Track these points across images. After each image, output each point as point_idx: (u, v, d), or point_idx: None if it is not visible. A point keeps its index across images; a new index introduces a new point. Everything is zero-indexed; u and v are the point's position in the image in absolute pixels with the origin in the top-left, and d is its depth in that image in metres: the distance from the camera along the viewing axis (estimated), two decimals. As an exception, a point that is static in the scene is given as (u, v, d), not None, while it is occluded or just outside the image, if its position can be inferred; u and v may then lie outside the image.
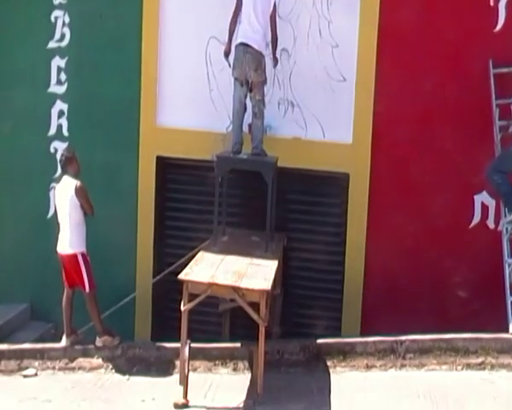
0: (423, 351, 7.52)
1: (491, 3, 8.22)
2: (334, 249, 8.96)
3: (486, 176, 8.00)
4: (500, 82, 8.15)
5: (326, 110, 8.74)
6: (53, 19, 9.23)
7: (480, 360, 7.39)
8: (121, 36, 9.14)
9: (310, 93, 8.76)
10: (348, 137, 8.69)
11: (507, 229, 8.03)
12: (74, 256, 7.87)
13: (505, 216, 8.04)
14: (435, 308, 8.49)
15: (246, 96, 8.24)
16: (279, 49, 8.54)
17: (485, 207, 8.47)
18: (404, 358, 7.52)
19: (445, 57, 8.40)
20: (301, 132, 8.83)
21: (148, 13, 9.00)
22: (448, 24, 8.36)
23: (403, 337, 7.59)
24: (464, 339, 7.49)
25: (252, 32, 8.06)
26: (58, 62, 9.31)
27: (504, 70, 8.14)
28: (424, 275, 8.60)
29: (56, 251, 7.99)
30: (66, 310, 8.00)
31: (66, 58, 9.30)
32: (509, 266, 7.89)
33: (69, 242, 7.89)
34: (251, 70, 8.07)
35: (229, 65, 8.26)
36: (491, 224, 8.48)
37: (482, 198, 8.46)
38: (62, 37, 9.28)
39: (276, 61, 8.40)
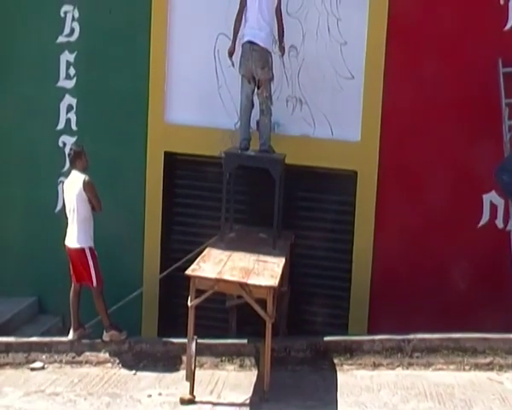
0: (431, 350, 7.51)
1: (501, 2, 8.20)
2: (341, 247, 8.95)
3: (495, 176, 7.98)
4: (509, 81, 8.12)
5: (334, 108, 8.74)
6: (62, 14, 9.24)
7: (488, 360, 7.37)
8: (130, 31, 9.15)
9: (318, 90, 8.76)
10: (356, 134, 8.68)
11: (515, 228, 8.04)
12: (82, 251, 7.89)
13: (514, 215, 8.05)
14: (443, 307, 8.47)
15: (253, 93, 8.25)
16: (288, 46, 8.54)
17: (493, 207, 8.45)
18: (411, 357, 7.51)
19: (455, 56, 8.38)
20: (309, 130, 8.83)
21: (158, 8, 9.00)
22: (458, 23, 8.34)
23: (410, 336, 7.59)
24: (472, 339, 7.48)
25: (258, 29, 8.07)
26: (67, 57, 9.32)
27: (514, 69, 8.14)
28: (432, 274, 8.58)
29: (64, 245, 8.01)
30: (74, 305, 8.03)
31: (76, 53, 9.30)
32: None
33: (77, 236, 7.91)
34: (257, 68, 8.07)
35: (233, 64, 8.30)
36: (499, 223, 8.47)
37: (491, 198, 8.44)
38: (72, 31, 9.29)
39: (282, 50, 8.37)
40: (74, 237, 7.92)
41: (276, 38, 8.30)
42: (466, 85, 8.35)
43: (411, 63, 8.51)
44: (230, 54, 8.29)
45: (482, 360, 7.38)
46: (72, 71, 9.35)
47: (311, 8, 8.68)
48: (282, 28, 8.22)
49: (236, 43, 8.24)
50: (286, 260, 7.87)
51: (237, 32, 8.23)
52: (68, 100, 9.39)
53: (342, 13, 8.63)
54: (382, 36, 8.49)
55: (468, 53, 8.33)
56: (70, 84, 9.37)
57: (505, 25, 8.22)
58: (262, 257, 7.65)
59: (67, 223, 7.98)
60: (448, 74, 8.41)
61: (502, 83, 8.12)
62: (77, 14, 9.23)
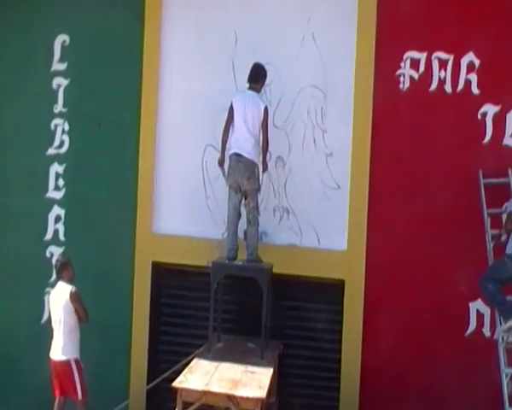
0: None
1: (479, 117, 8.47)
2: (329, 356, 8.88)
3: (480, 285, 8.04)
4: (490, 192, 8.31)
5: (321, 217, 8.85)
6: (53, 126, 9.42)
7: None
8: (119, 143, 9.30)
9: (305, 201, 8.89)
10: (343, 244, 8.77)
11: (503, 338, 7.98)
12: (67, 363, 7.82)
13: (500, 325, 8.03)
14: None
15: (240, 203, 8.34)
16: (274, 156, 8.75)
17: (480, 315, 8.49)
18: None
19: (437, 168, 8.59)
20: (296, 239, 8.92)
21: (146, 121, 9.17)
22: (439, 136, 8.58)
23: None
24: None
25: (243, 141, 8.21)
26: (56, 168, 9.44)
27: (494, 181, 8.32)
28: (420, 382, 8.54)
29: (49, 358, 7.91)
30: (58, 420, 7.88)
31: (65, 164, 9.43)
32: (507, 376, 7.82)
33: (62, 348, 7.85)
34: (244, 179, 8.19)
35: (224, 174, 8.41)
36: (486, 332, 8.49)
37: (477, 306, 8.49)
38: (61, 144, 9.43)
39: (265, 166, 8.37)
40: (59, 349, 7.86)
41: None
42: (449, 197, 8.52)
43: (396, 173, 8.69)
44: (220, 164, 8.40)
45: None
46: (61, 182, 9.45)
47: (297, 121, 8.90)
48: (267, 144, 8.25)
49: (225, 152, 8.39)
50: (274, 370, 7.81)
51: (225, 142, 8.35)
52: (57, 210, 9.45)
53: (327, 125, 8.84)
54: (367, 146, 8.69)
55: (450, 166, 8.54)
56: (59, 194, 9.46)
57: (484, 138, 8.49)
58: (250, 368, 7.60)
59: (52, 335, 7.90)
60: (432, 186, 8.59)
61: (483, 194, 8.29)
62: (67, 127, 9.40)
